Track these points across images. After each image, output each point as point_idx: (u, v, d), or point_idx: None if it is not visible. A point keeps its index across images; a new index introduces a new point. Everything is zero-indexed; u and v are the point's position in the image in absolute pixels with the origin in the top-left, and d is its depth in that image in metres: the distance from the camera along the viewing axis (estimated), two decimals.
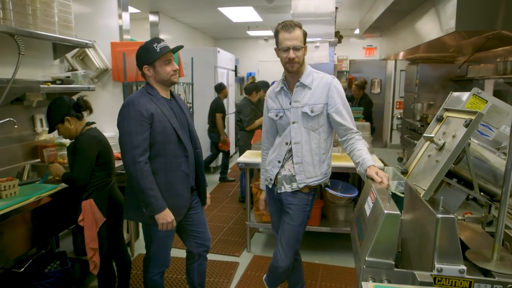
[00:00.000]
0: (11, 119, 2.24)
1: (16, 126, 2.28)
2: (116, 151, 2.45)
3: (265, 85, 5.06)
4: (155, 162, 1.86)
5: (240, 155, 4.03)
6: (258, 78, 7.90)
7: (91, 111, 2.27)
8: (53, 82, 2.59)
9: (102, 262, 2.18)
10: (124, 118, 1.82)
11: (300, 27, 1.85)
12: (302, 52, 1.85)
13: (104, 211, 2.14)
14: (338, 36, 3.92)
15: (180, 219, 2.01)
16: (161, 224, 1.86)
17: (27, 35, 2.22)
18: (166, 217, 1.85)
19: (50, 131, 2.23)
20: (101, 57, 3.44)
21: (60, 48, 2.86)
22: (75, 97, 2.27)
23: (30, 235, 2.03)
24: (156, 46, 1.85)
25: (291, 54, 1.83)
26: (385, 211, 1.19)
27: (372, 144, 3.73)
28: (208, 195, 2.22)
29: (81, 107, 2.19)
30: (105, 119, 3.37)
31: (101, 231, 2.14)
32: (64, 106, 2.13)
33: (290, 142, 1.93)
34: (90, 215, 2.10)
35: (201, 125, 5.77)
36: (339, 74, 7.75)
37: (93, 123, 2.27)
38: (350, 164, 2.95)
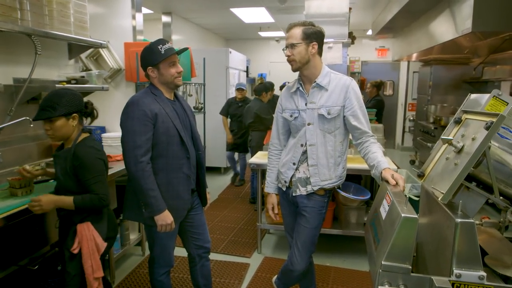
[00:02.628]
0: (27, 118, 2.27)
1: (32, 125, 2.31)
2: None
3: (273, 86, 5.05)
4: (156, 163, 1.85)
5: (252, 155, 4.03)
6: (269, 79, 7.89)
7: (93, 119, 1.97)
8: (68, 81, 2.62)
9: None
10: (127, 117, 1.80)
11: (301, 25, 1.83)
12: (298, 50, 1.82)
13: (104, 234, 1.86)
14: (351, 37, 3.89)
15: (180, 221, 2.00)
16: (160, 225, 1.84)
17: (44, 35, 2.25)
18: (165, 218, 1.83)
19: (38, 119, 1.75)
20: (114, 57, 3.48)
21: (75, 48, 2.90)
22: (86, 98, 2.01)
23: (45, 232, 2.05)
24: (161, 48, 1.83)
25: (286, 52, 1.85)
26: (403, 215, 1.17)
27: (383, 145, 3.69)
28: (208, 196, 2.20)
29: (87, 110, 1.91)
30: (117, 119, 3.39)
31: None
32: (80, 101, 1.84)
33: (305, 144, 1.90)
34: (90, 241, 1.80)
35: (212, 126, 5.79)
36: (350, 75, 7.69)
37: (90, 130, 1.95)
38: (362, 166, 2.92)
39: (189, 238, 2.14)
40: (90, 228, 1.81)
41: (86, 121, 1.95)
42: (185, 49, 1.99)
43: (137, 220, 2.02)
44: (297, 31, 1.83)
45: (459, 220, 1.14)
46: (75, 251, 1.79)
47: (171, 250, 2.06)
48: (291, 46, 1.84)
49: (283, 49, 1.90)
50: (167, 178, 1.87)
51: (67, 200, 1.75)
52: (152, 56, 1.85)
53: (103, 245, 1.85)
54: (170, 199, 1.87)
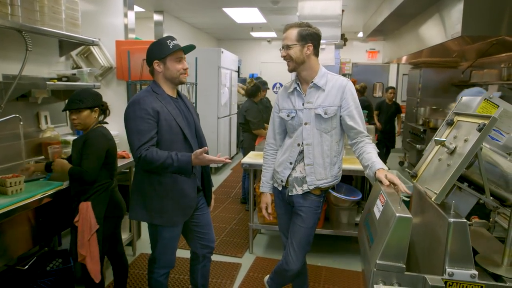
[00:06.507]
0: (17, 115, 2.23)
1: (22, 123, 2.27)
2: (119, 149, 2.44)
3: (264, 84, 5.06)
4: None
5: (243, 156, 4.03)
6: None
7: (106, 116, 2.28)
8: (59, 79, 2.58)
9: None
10: (130, 117, 1.82)
11: (297, 26, 1.85)
12: (293, 50, 1.84)
13: (101, 217, 2.09)
14: (343, 38, 3.93)
15: (186, 220, 2.00)
16: (204, 161, 1.78)
17: (35, 31, 2.21)
18: (198, 160, 1.76)
19: (68, 109, 2.11)
20: (105, 55, 3.44)
21: (66, 45, 2.86)
22: None
23: (35, 232, 2.02)
24: (170, 43, 1.86)
25: (282, 52, 1.88)
26: (397, 214, 1.18)
27: None
28: (212, 195, 2.20)
29: (103, 107, 2.24)
30: (109, 118, 3.36)
31: (97, 235, 2.08)
32: (100, 98, 2.21)
33: (302, 143, 1.92)
34: (85, 220, 2.04)
35: (203, 125, 5.78)
36: None
37: (106, 123, 2.28)
38: (354, 167, 2.95)
39: (194, 237, 2.13)
40: (89, 209, 2.05)
41: (101, 117, 2.27)
42: (193, 46, 1.98)
43: (143, 219, 1.99)
44: (293, 32, 1.85)
45: (452, 220, 1.17)
46: (76, 224, 2.05)
47: (174, 251, 2.05)
48: (286, 47, 1.86)
49: (280, 49, 1.92)
50: (172, 177, 1.87)
51: (67, 166, 2.09)
52: (160, 49, 1.86)
53: (95, 226, 2.06)
54: (176, 198, 1.88)
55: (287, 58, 1.87)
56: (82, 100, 2.09)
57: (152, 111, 1.80)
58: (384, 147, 6.10)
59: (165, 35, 6.63)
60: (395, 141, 6.32)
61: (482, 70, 5.27)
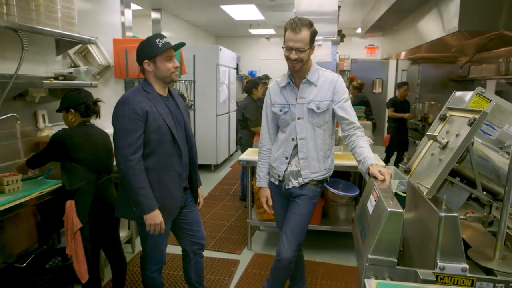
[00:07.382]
0: (14, 114, 2.24)
1: (19, 122, 2.28)
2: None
3: (260, 78, 5.06)
4: (148, 161, 1.84)
5: (242, 153, 4.04)
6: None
7: (97, 116, 2.29)
8: (56, 78, 2.59)
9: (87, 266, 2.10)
10: (118, 115, 1.80)
11: (309, 26, 1.83)
12: (306, 54, 1.85)
13: (84, 214, 2.06)
14: (341, 35, 3.92)
15: (173, 219, 2.01)
16: (149, 225, 1.82)
17: (30, 31, 2.21)
18: (154, 218, 1.81)
19: (57, 111, 2.29)
20: (103, 53, 3.44)
21: (63, 44, 2.86)
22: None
23: (33, 230, 2.03)
24: (159, 42, 1.85)
25: (293, 55, 1.85)
26: (388, 209, 1.19)
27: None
28: (200, 193, 2.18)
29: (89, 108, 2.21)
30: (106, 116, 3.33)
31: (84, 233, 2.07)
32: (76, 99, 2.18)
33: (296, 138, 1.96)
34: (69, 219, 2.03)
35: (202, 123, 5.80)
36: (340, 73, 7.77)
37: (88, 122, 2.25)
38: (351, 163, 2.96)
39: (184, 235, 2.14)
40: (71, 208, 2.04)
41: (95, 117, 2.29)
42: (182, 44, 1.98)
43: (129, 217, 2.00)
44: (307, 36, 1.82)
45: (443, 214, 1.17)
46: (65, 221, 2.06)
47: (164, 248, 2.06)
48: (299, 50, 1.83)
49: (284, 47, 1.88)
50: (158, 176, 1.86)
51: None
52: (149, 49, 1.85)
53: (77, 225, 2.05)
54: (161, 197, 1.87)
55: (297, 60, 1.85)
56: (61, 103, 2.20)
57: (140, 111, 1.78)
58: (394, 152, 5.95)
59: (163, 33, 6.64)
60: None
61: (481, 65, 5.26)
